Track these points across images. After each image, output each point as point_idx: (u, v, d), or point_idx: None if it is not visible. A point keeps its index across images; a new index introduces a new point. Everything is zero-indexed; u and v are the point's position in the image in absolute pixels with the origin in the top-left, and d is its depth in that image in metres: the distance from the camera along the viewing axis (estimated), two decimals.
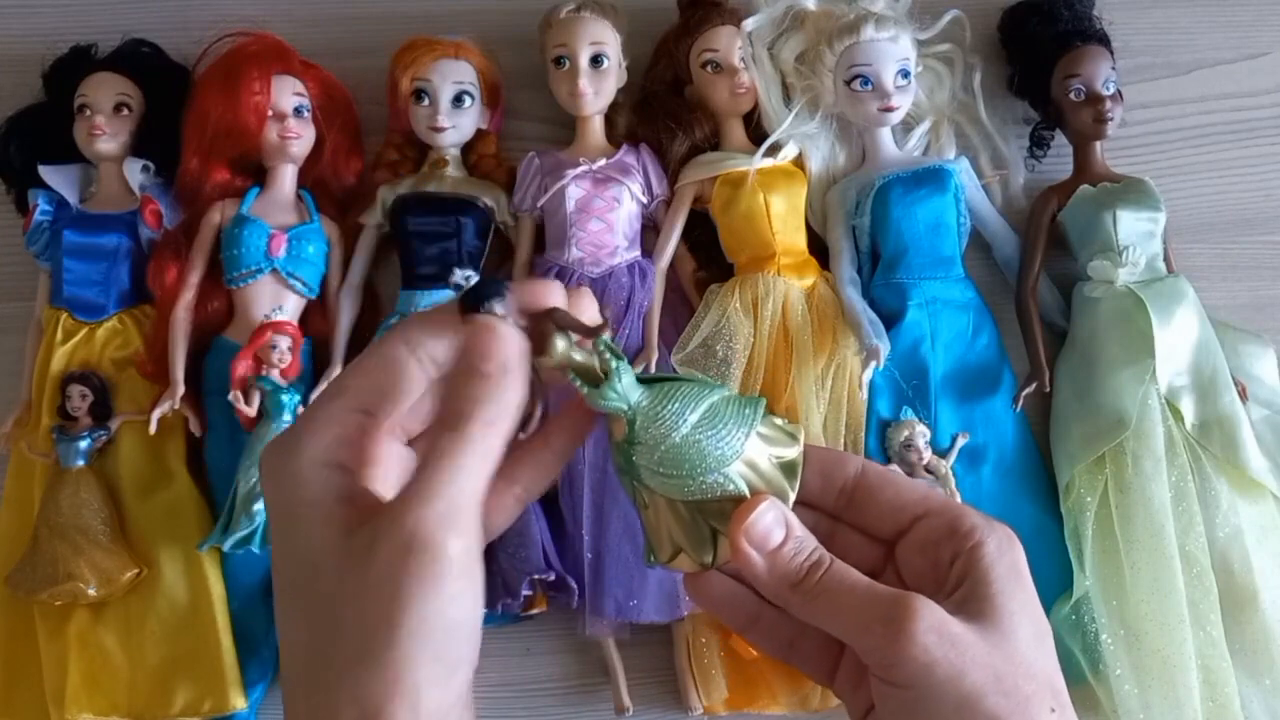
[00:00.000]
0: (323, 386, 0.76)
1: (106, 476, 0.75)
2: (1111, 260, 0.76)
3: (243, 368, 0.73)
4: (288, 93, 0.79)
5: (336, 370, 0.77)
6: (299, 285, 0.78)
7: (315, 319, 0.80)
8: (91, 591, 0.71)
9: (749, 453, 0.36)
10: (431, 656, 0.31)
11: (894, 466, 0.75)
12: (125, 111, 0.81)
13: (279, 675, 0.33)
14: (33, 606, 0.73)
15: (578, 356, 0.35)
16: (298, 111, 0.79)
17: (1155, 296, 0.75)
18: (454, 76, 0.80)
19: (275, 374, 0.74)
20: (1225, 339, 0.77)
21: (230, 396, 0.73)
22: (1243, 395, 0.76)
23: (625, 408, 0.36)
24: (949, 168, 0.80)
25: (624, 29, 0.82)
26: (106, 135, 0.80)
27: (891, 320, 0.77)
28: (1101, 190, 0.79)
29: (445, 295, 0.78)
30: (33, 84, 0.83)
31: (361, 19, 0.88)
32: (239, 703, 0.72)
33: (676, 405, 0.36)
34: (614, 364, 0.35)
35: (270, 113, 0.78)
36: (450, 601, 0.31)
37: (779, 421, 0.38)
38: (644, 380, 0.37)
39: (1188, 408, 0.74)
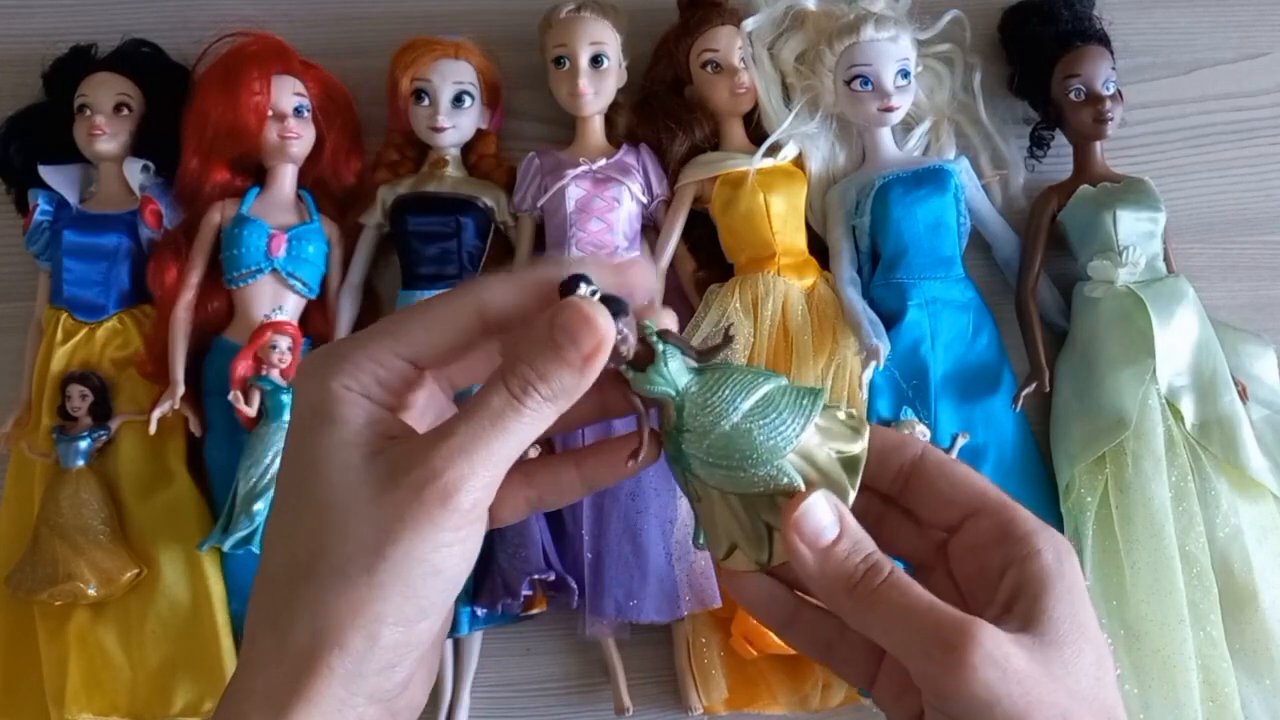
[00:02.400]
0: None
1: (106, 476, 0.75)
2: (1111, 260, 0.76)
3: (243, 368, 0.73)
4: (288, 93, 0.79)
5: None
6: (299, 285, 0.78)
7: (315, 319, 0.80)
8: (92, 591, 0.71)
9: (805, 445, 0.34)
10: (403, 595, 0.30)
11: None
12: (125, 111, 0.81)
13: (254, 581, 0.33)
14: (33, 606, 0.73)
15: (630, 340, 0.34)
16: (298, 111, 0.79)
17: (1155, 296, 0.75)
18: (454, 76, 0.80)
19: (275, 374, 0.74)
20: (1225, 339, 0.77)
21: (230, 396, 0.73)
22: (1243, 395, 0.76)
23: (673, 393, 0.34)
24: (949, 168, 0.80)
25: (624, 29, 0.82)
26: (106, 135, 0.80)
27: (891, 320, 0.77)
28: (1101, 190, 0.79)
29: None
30: (33, 84, 0.83)
31: (361, 19, 0.88)
32: None
33: (727, 392, 0.34)
34: (661, 347, 0.34)
35: (270, 113, 0.78)
36: (440, 548, 0.31)
37: (842, 415, 0.36)
38: (695, 368, 0.35)
39: (1188, 408, 0.74)
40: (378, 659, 0.31)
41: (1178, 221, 0.81)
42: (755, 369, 0.36)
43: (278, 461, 0.71)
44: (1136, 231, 0.77)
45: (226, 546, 0.71)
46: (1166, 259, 0.78)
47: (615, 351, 0.33)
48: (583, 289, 0.32)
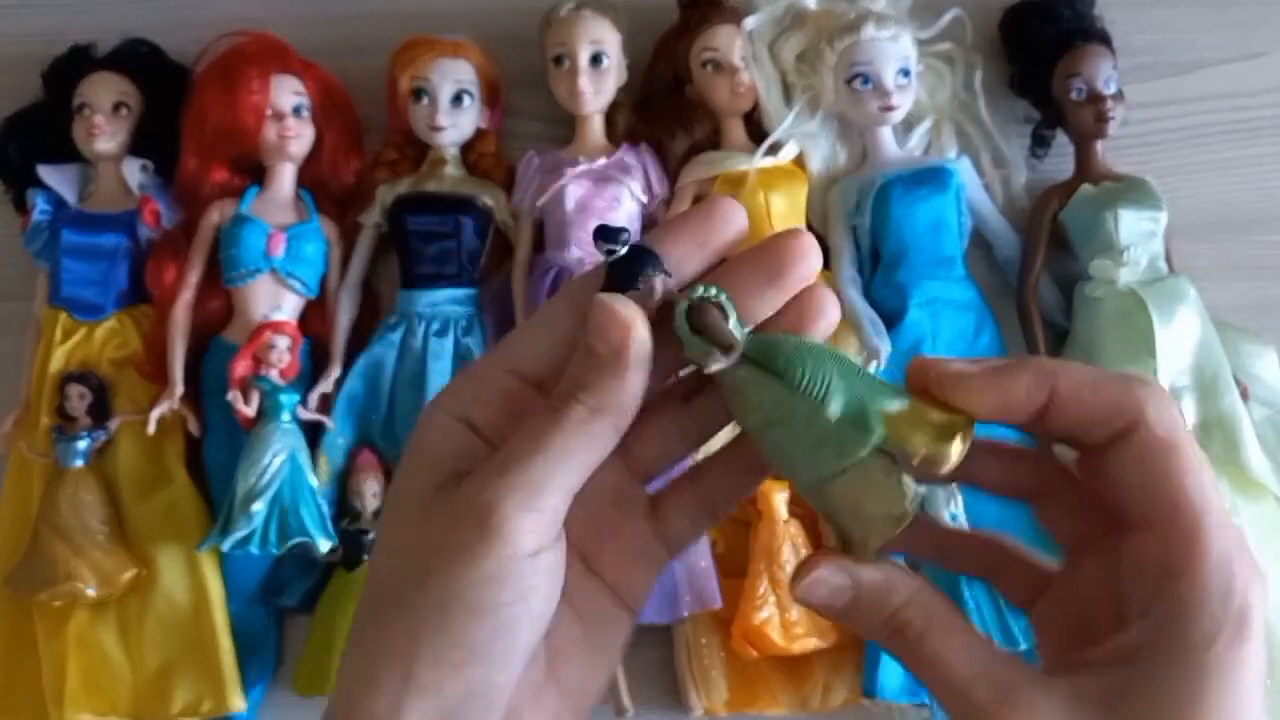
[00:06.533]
0: (322, 387, 0.76)
1: (105, 477, 0.75)
2: (1113, 260, 0.76)
3: (241, 368, 0.73)
4: (286, 92, 0.79)
5: (336, 371, 0.77)
6: (298, 285, 0.78)
7: (314, 319, 0.79)
8: (91, 592, 0.71)
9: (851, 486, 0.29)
10: (440, 633, 0.28)
11: None
12: (124, 111, 0.81)
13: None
14: (32, 607, 0.73)
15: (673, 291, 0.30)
16: (296, 111, 0.79)
17: (1157, 296, 0.75)
18: (453, 75, 0.79)
19: (274, 374, 0.73)
20: (1226, 338, 0.77)
21: (229, 396, 0.72)
22: (1244, 395, 0.76)
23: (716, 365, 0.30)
24: (950, 167, 0.79)
25: (624, 28, 0.81)
26: (105, 135, 0.79)
27: (892, 320, 0.77)
28: (1102, 190, 0.79)
29: (444, 294, 0.78)
30: (32, 83, 0.83)
31: (361, 18, 0.88)
32: (238, 704, 0.71)
33: (766, 395, 0.29)
34: (724, 299, 0.30)
35: (269, 112, 0.78)
36: (481, 584, 0.27)
37: (923, 454, 0.29)
38: (767, 342, 0.30)
39: (1189, 408, 0.74)
40: (424, 704, 0.28)
41: (1179, 221, 0.81)
42: (842, 359, 0.30)
43: (276, 461, 0.71)
44: (1138, 231, 0.77)
45: (225, 547, 0.70)
46: (1168, 259, 0.78)
47: (648, 307, 0.29)
48: (622, 238, 0.29)
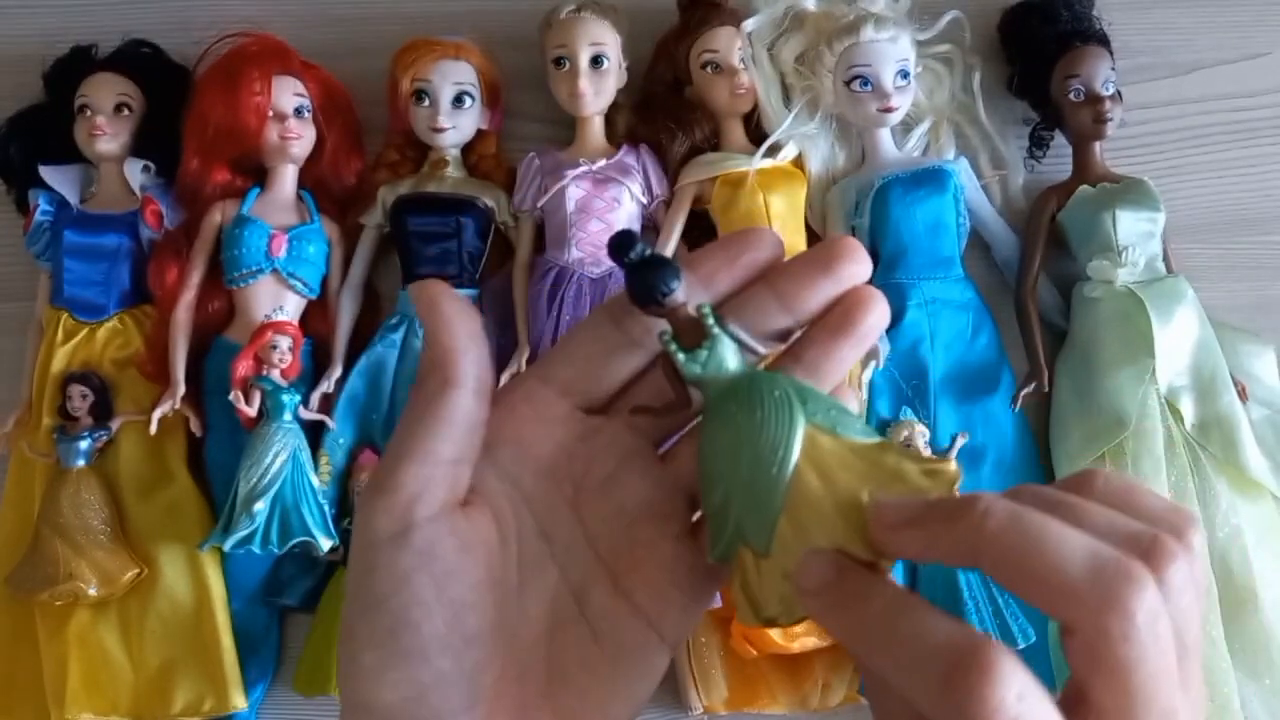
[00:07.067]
0: (323, 387, 0.76)
1: (107, 476, 0.75)
2: (1111, 260, 0.76)
3: (243, 368, 0.73)
4: (288, 93, 0.79)
5: (337, 371, 0.77)
6: (299, 285, 0.78)
7: (315, 319, 0.80)
8: (92, 591, 0.71)
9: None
10: (367, 638, 0.28)
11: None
12: (126, 112, 0.81)
13: None
14: (33, 606, 0.73)
15: (690, 311, 0.30)
16: (298, 112, 0.79)
17: (1155, 296, 0.75)
18: (454, 77, 0.80)
19: (276, 374, 0.74)
20: (1224, 338, 0.77)
21: (231, 396, 0.73)
22: (1242, 395, 0.76)
23: (698, 384, 0.31)
24: (948, 168, 0.80)
25: (624, 29, 0.82)
26: (107, 135, 0.80)
27: (891, 320, 0.77)
28: (1101, 190, 0.79)
29: None
30: (33, 84, 0.83)
31: (361, 19, 0.88)
32: (239, 703, 0.72)
33: (729, 434, 0.29)
34: (715, 331, 0.30)
35: (270, 113, 0.78)
36: (366, 578, 0.28)
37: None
38: (721, 400, 0.30)
39: (1187, 408, 0.74)
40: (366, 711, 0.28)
41: (1177, 221, 0.81)
42: (831, 413, 0.29)
43: (278, 461, 0.72)
44: (1136, 232, 0.77)
45: (227, 546, 0.70)
46: (1166, 259, 0.78)
47: (657, 313, 0.30)
48: (638, 249, 0.30)
